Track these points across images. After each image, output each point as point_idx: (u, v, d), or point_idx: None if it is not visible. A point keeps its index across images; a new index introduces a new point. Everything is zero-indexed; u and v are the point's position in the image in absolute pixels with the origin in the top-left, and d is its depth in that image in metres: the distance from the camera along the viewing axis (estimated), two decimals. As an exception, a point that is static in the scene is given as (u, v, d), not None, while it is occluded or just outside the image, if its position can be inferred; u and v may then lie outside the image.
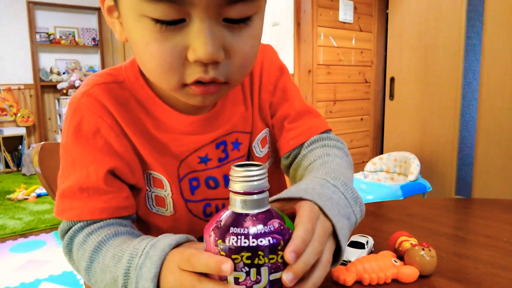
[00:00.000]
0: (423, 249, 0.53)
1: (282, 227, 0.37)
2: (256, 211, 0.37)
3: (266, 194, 0.38)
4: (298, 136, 0.65)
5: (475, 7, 2.80)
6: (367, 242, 0.58)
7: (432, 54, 2.94)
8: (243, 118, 0.64)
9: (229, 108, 0.63)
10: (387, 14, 3.31)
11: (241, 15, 0.44)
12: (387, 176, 2.89)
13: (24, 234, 2.81)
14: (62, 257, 2.37)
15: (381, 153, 3.40)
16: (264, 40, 0.60)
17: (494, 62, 2.54)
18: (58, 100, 5.34)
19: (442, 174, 2.94)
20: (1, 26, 4.96)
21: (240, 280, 0.36)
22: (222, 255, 0.36)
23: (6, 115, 5.03)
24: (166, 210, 0.61)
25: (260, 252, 0.35)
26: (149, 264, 0.42)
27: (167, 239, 0.44)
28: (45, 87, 5.38)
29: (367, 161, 3.06)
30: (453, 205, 0.90)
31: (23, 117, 5.10)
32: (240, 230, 0.35)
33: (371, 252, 0.59)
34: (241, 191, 0.37)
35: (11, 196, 3.63)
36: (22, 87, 5.16)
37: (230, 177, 0.38)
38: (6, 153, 4.92)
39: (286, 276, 0.36)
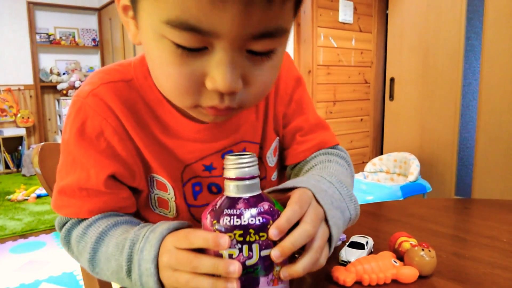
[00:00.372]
0: (422, 249, 0.52)
1: (271, 209, 0.41)
2: (248, 195, 0.41)
3: (257, 180, 0.42)
4: (308, 150, 0.66)
5: (475, 8, 2.80)
6: (366, 242, 0.58)
7: (432, 55, 2.94)
8: (252, 128, 0.63)
9: (239, 117, 0.61)
10: (387, 14, 3.31)
11: (265, 49, 0.42)
12: (387, 176, 2.89)
13: (24, 235, 2.81)
14: (62, 258, 2.37)
15: (381, 153, 3.40)
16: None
17: (494, 62, 2.54)
18: (58, 100, 5.33)
19: (442, 174, 2.94)
20: (1, 27, 4.95)
21: (234, 256, 0.39)
22: None
23: (6, 115, 5.02)
24: (169, 212, 0.61)
25: (251, 230, 0.39)
26: (149, 247, 0.44)
27: (166, 224, 0.46)
28: (45, 87, 5.37)
29: (367, 162, 3.06)
30: (453, 206, 0.90)
31: (23, 117, 5.09)
32: (233, 211, 0.40)
33: (370, 253, 0.59)
34: (234, 177, 0.41)
35: (11, 196, 3.62)
36: (22, 87, 5.16)
37: (224, 166, 0.42)
38: (6, 153, 4.91)
39: (274, 253, 0.40)
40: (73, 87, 5.18)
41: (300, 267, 0.41)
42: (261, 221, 0.40)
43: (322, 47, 2.95)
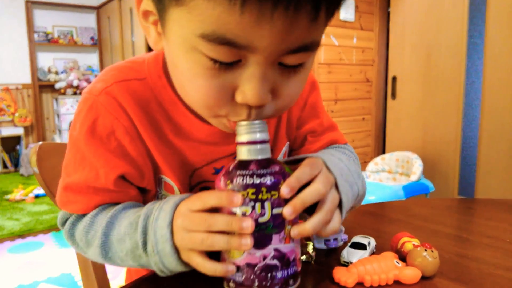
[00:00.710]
0: (425, 250, 0.52)
1: (282, 171, 0.44)
2: (260, 157, 0.43)
3: (268, 145, 0.44)
4: (320, 148, 0.67)
5: (477, 6, 2.78)
6: (368, 243, 0.58)
7: (434, 53, 2.92)
8: None
9: None
10: (389, 12, 3.29)
11: (296, 62, 0.42)
12: (389, 176, 2.88)
13: (22, 235, 2.79)
14: (60, 258, 2.36)
15: (383, 153, 3.39)
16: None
17: (497, 61, 2.52)
18: (56, 99, 5.31)
19: (444, 174, 2.92)
20: (-1, 25, 4.94)
21: (247, 214, 0.41)
22: None
23: (4, 115, 5.00)
24: None
25: (263, 189, 0.41)
26: (163, 215, 0.45)
27: (179, 196, 0.47)
28: (43, 86, 5.35)
29: (369, 161, 3.05)
30: (456, 206, 0.90)
31: (21, 117, 5.07)
32: (245, 172, 0.42)
33: (373, 253, 0.58)
34: (246, 141, 0.43)
35: (9, 196, 3.61)
36: (20, 86, 5.13)
37: (236, 132, 0.44)
38: (4, 153, 4.90)
39: (286, 210, 0.42)
40: (71, 86, 5.17)
41: (309, 226, 0.43)
42: (272, 180, 0.42)
43: (324, 45, 2.93)
